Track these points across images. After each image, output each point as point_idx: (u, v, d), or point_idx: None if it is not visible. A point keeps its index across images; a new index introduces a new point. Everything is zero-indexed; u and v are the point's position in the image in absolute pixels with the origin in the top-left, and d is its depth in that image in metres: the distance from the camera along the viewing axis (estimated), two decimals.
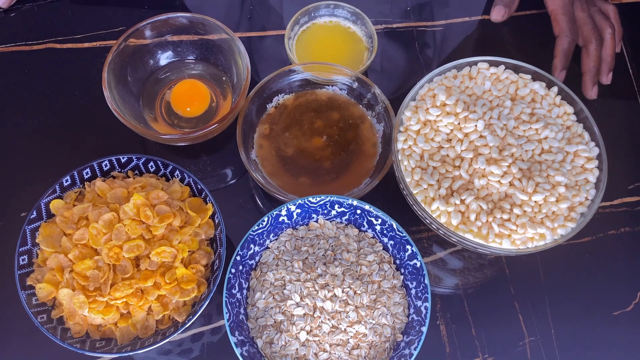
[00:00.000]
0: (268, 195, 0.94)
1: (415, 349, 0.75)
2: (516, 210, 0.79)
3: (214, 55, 0.96)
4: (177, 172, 0.84)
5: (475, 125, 0.82)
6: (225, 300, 0.76)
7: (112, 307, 0.77)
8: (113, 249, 0.77)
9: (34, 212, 0.80)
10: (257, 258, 0.83)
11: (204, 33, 0.94)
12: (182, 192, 0.83)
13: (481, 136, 0.82)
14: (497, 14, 1.02)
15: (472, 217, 0.79)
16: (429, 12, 1.07)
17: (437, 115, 0.84)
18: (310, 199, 0.82)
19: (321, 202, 0.82)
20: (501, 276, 0.90)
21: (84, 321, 0.78)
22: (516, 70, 0.88)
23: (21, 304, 0.76)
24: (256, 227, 0.80)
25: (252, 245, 0.81)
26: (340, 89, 0.96)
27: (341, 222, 0.85)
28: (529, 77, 0.86)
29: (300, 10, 0.97)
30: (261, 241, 0.82)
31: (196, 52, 0.97)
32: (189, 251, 0.80)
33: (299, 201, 0.82)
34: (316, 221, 0.85)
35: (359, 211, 0.83)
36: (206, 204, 0.83)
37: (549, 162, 0.82)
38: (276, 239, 0.84)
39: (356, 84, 0.94)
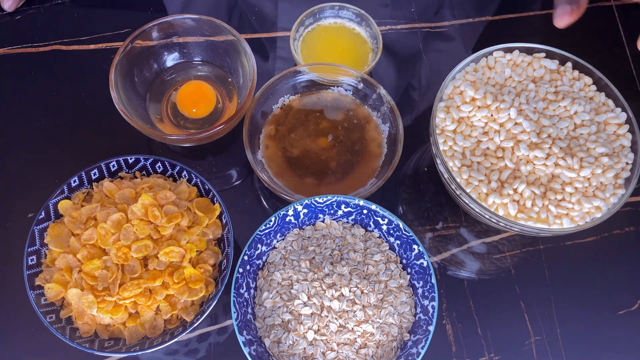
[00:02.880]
0: (274, 196, 0.94)
1: (422, 348, 0.76)
2: (568, 189, 0.80)
3: (220, 57, 0.96)
4: (185, 172, 0.84)
5: (509, 114, 0.83)
6: (233, 300, 0.76)
7: (121, 306, 0.77)
8: (121, 249, 0.77)
9: (42, 213, 0.80)
10: (264, 258, 0.83)
11: (210, 34, 0.94)
12: (189, 193, 0.83)
13: (516, 123, 0.83)
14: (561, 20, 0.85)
15: (529, 203, 0.80)
16: (434, 13, 1.08)
17: (470, 112, 0.85)
18: (317, 199, 0.82)
19: (328, 202, 0.83)
20: (507, 276, 0.90)
21: (93, 321, 0.78)
22: (529, 52, 0.90)
23: (30, 303, 0.76)
24: (263, 227, 0.80)
25: (259, 245, 0.81)
26: (346, 90, 0.96)
27: (347, 222, 0.86)
28: (542, 55, 0.88)
29: (306, 11, 0.98)
30: (268, 241, 0.83)
31: (202, 54, 0.97)
32: (197, 251, 0.80)
33: (306, 201, 0.82)
34: (323, 221, 0.85)
35: (365, 211, 0.83)
36: (214, 204, 0.83)
37: (586, 136, 0.83)
38: (283, 239, 0.84)
39: (361, 84, 0.94)
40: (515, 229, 0.81)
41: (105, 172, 0.84)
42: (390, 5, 1.08)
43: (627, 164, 0.83)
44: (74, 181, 0.83)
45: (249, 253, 0.80)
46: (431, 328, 0.77)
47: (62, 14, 1.04)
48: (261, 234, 0.81)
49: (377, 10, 1.06)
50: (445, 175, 0.83)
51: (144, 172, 0.86)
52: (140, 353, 0.75)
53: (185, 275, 0.78)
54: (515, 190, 0.81)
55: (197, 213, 0.81)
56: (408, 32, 1.06)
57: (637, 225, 0.93)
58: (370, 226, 0.85)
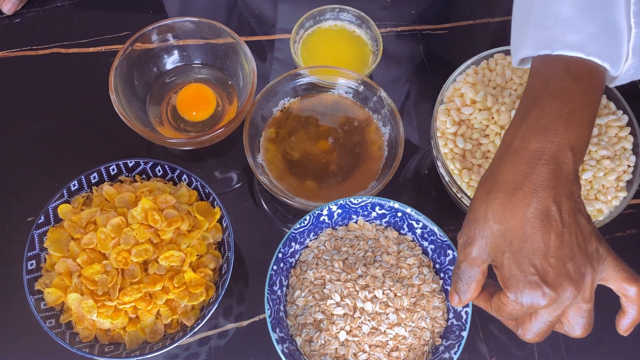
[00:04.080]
0: (274, 199, 0.94)
1: (455, 354, 0.75)
2: None
3: (220, 60, 0.96)
4: (185, 176, 0.84)
5: (510, 116, 0.83)
6: (267, 297, 0.76)
7: (121, 311, 0.76)
8: (121, 253, 0.77)
9: (42, 217, 0.80)
10: (296, 256, 0.83)
11: (210, 37, 0.94)
12: (189, 196, 0.83)
13: None
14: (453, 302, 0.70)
15: None
16: (434, 15, 1.08)
17: (470, 114, 0.85)
18: (352, 199, 0.82)
19: (362, 204, 0.83)
20: None
21: (93, 326, 0.78)
22: None
23: (29, 308, 0.76)
24: (298, 226, 0.80)
25: (293, 243, 0.81)
26: (346, 93, 0.96)
27: (380, 224, 0.86)
28: None
29: (306, 14, 0.97)
30: (302, 239, 0.83)
31: (202, 56, 0.97)
32: (197, 255, 0.80)
33: (340, 202, 0.82)
34: (356, 222, 0.85)
35: (399, 214, 0.83)
36: (214, 207, 0.83)
37: None
38: (316, 238, 0.84)
39: (362, 87, 0.94)
40: None
41: (105, 176, 0.84)
42: (390, 7, 1.08)
43: (629, 166, 0.83)
44: (74, 185, 0.82)
45: (283, 251, 0.79)
46: (464, 334, 0.76)
47: (62, 17, 1.04)
48: (295, 232, 0.81)
49: (377, 13, 1.06)
50: (446, 178, 0.83)
51: (143, 176, 0.86)
52: (140, 358, 0.75)
53: (186, 280, 0.78)
54: None
55: (197, 217, 0.81)
56: (408, 35, 1.06)
57: (639, 227, 0.93)
58: (403, 229, 0.85)
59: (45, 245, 0.79)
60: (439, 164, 0.84)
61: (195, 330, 0.76)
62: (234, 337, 0.85)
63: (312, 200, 0.89)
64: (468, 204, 0.81)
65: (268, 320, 0.75)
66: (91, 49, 1.02)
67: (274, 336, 0.74)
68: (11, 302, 0.85)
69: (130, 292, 0.76)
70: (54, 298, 0.77)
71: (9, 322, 0.85)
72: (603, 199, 0.81)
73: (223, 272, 0.80)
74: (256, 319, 0.87)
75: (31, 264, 0.79)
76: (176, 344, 0.75)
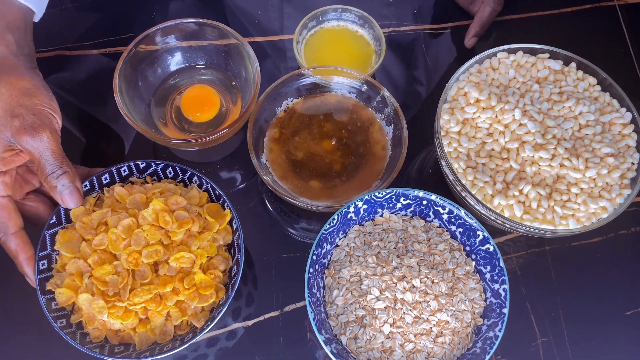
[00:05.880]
0: (278, 199, 0.94)
1: (500, 331, 0.77)
2: (574, 190, 0.81)
3: (223, 61, 0.97)
4: (195, 177, 0.84)
5: (513, 115, 0.84)
6: (308, 300, 0.76)
7: (131, 312, 0.77)
8: (132, 254, 0.77)
9: (54, 217, 0.80)
10: (328, 257, 0.84)
11: (214, 38, 0.94)
12: (200, 198, 0.83)
13: (521, 124, 0.84)
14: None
15: (534, 204, 0.81)
16: (436, 15, 1.08)
17: (474, 113, 0.86)
18: (376, 193, 0.83)
19: (387, 196, 0.83)
20: (513, 277, 0.90)
21: (103, 326, 0.78)
22: (533, 53, 0.91)
23: (41, 308, 0.76)
24: (327, 226, 0.81)
25: (324, 244, 0.82)
26: (349, 92, 0.96)
27: (406, 214, 0.86)
28: (546, 55, 0.89)
29: (309, 14, 0.98)
30: (332, 239, 0.83)
31: (206, 58, 0.97)
32: (207, 257, 0.80)
33: (366, 197, 0.82)
34: (381, 215, 0.86)
35: (424, 202, 0.84)
36: (224, 209, 0.83)
37: (591, 136, 0.84)
38: (344, 237, 0.85)
39: (365, 87, 0.94)
40: (521, 230, 0.82)
41: (116, 177, 0.84)
42: (392, 7, 1.08)
43: (633, 164, 0.84)
44: (85, 186, 0.82)
45: (316, 252, 0.80)
46: (505, 310, 0.78)
47: (66, 18, 1.04)
48: (326, 232, 0.81)
49: (379, 13, 1.07)
50: (450, 177, 0.84)
51: (154, 177, 0.86)
52: (150, 359, 0.75)
53: (196, 281, 0.78)
54: (520, 192, 0.82)
55: (207, 219, 0.81)
56: (411, 34, 1.06)
57: None
58: (429, 216, 0.86)
59: (56, 246, 0.79)
60: (443, 163, 0.85)
61: (205, 331, 0.76)
62: (243, 338, 0.85)
63: (316, 200, 0.89)
64: (472, 203, 0.82)
65: (313, 323, 0.75)
66: (95, 51, 1.02)
67: (321, 338, 0.74)
68: (23, 302, 0.85)
69: (140, 293, 0.76)
70: (65, 298, 0.77)
71: (20, 321, 0.85)
72: (607, 197, 0.81)
73: (233, 274, 0.80)
74: (261, 318, 0.87)
75: (42, 264, 0.79)
76: (185, 345, 0.75)
